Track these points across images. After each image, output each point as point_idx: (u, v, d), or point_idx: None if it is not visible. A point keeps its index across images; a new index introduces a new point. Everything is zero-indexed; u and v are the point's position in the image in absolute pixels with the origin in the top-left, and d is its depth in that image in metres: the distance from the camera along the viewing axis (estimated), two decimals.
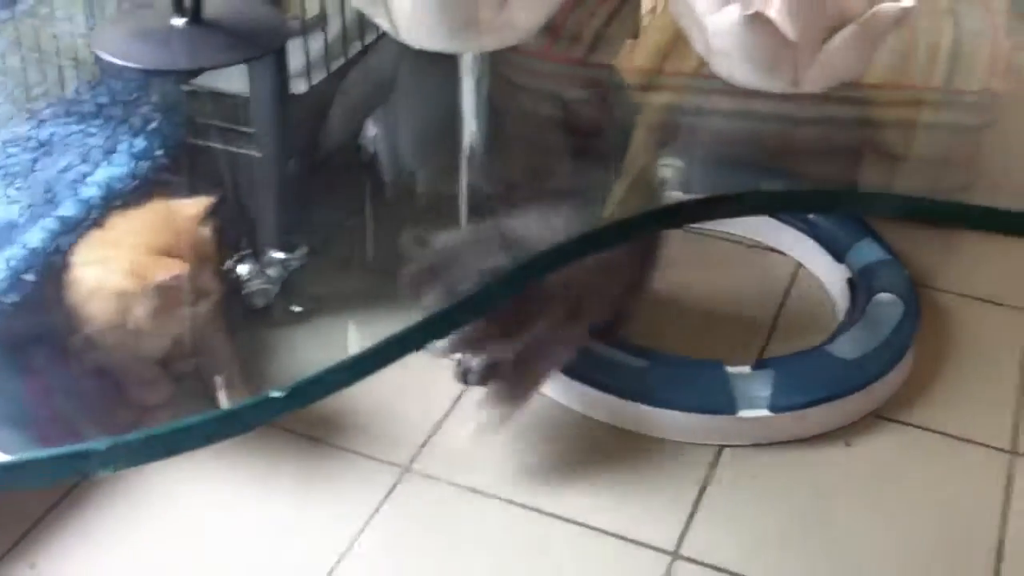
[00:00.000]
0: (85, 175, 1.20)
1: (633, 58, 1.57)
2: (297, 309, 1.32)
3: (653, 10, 1.59)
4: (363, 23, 1.43)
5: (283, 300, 1.34)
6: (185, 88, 1.31)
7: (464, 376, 1.33)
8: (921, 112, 1.57)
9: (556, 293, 1.23)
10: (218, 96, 1.31)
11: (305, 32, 1.36)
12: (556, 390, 1.41)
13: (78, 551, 1.24)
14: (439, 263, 1.14)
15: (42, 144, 1.24)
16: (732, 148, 1.44)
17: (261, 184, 1.33)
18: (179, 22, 1.17)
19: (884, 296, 1.48)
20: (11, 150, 1.23)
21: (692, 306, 1.55)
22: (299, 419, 1.36)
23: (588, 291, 1.28)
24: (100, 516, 1.27)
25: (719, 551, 1.25)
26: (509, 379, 1.30)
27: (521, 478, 1.32)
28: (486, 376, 1.32)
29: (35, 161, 1.22)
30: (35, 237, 1.15)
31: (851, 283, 1.53)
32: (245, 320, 1.31)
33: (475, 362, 1.32)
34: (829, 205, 1.35)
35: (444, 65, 1.28)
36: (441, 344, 1.17)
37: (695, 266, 1.62)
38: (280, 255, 1.32)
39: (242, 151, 1.31)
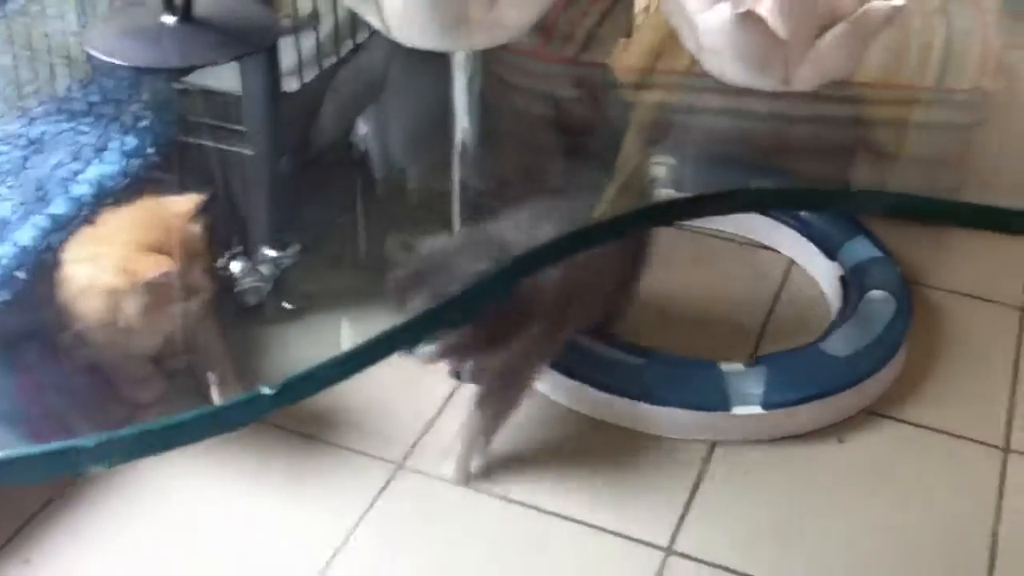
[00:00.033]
0: (76, 173, 1.20)
1: (626, 57, 1.57)
2: (288, 306, 1.32)
3: (647, 9, 1.60)
4: (355, 22, 1.44)
5: (275, 298, 1.35)
6: (177, 86, 1.31)
7: (457, 373, 1.33)
8: (913, 111, 1.58)
9: (543, 299, 1.24)
10: (210, 94, 1.31)
11: (297, 30, 1.36)
12: (551, 387, 1.41)
13: (72, 547, 1.23)
14: (425, 268, 1.14)
15: (33, 142, 1.24)
16: (724, 146, 1.45)
17: (253, 182, 1.33)
18: (170, 20, 1.17)
19: (876, 293, 1.48)
20: (2, 148, 1.23)
21: (686, 304, 1.55)
22: (292, 416, 1.35)
23: (576, 296, 1.28)
24: (94, 512, 1.27)
25: (713, 547, 1.25)
26: (497, 387, 1.30)
27: (515, 474, 1.32)
28: (477, 375, 1.32)
29: (26, 159, 1.23)
30: (26, 235, 1.16)
31: (843, 280, 1.53)
32: (237, 317, 1.32)
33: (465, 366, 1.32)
34: (819, 203, 1.35)
35: (436, 63, 1.29)
36: (428, 351, 1.17)
37: (689, 264, 1.62)
38: (272, 253, 1.33)
39: (234, 149, 1.32)
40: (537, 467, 1.34)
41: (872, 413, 1.41)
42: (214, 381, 1.17)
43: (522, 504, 1.29)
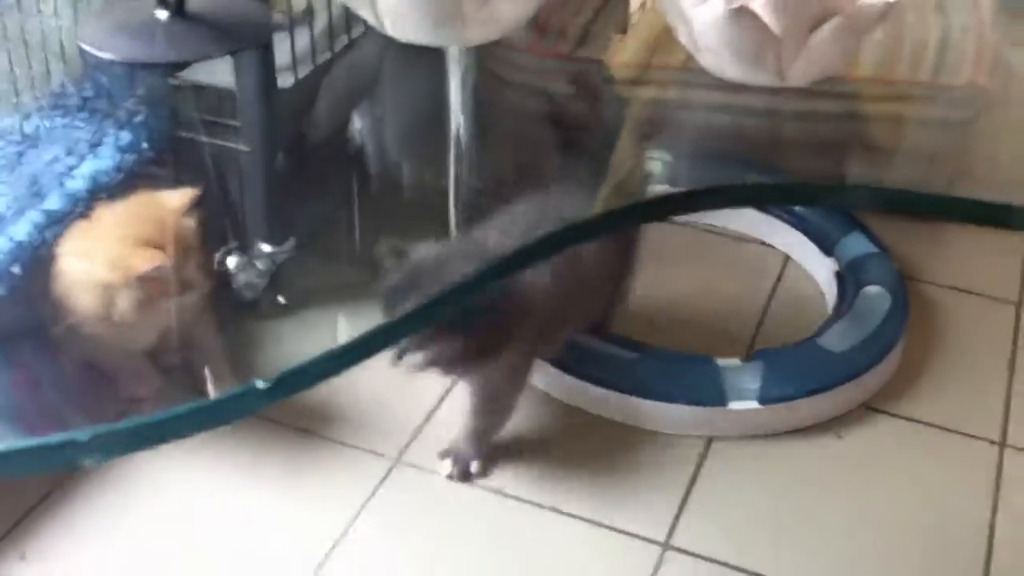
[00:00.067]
0: (71, 168, 1.20)
1: (621, 53, 1.57)
2: (283, 302, 1.32)
3: (642, 6, 1.60)
4: (349, 17, 1.44)
5: (271, 293, 1.34)
6: (171, 82, 1.31)
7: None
8: (907, 106, 1.58)
9: (534, 308, 1.24)
10: (204, 90, 1.31)
11: (292, 26, 1.37)
12: (547, 382, 1.41)
13: (68, 541, 1.23)
14: (416, 276, 1.13)
15: (28, 137, 1.24)
16: (720, 142, 1.45)
17: (248, 177, 1.33)
18: (163, 15, 1.17)
19: (872, 289, 1.48)
20: None
21: (682, 299, 1.55)
22: (289, 411, 1.35)
23: (568, 302, 1.28)
24: (91, 507, 1.27)
25: (709, 542, 1.25)
26: (491, 395, 1.30)
27: (512, 469, 1.32)
28: (472, 382, 1.32)
29: (21, 154, 1.23)
30: (21, 230, 1.16)
31: (839, 276, 1.53)
32: (233, 313, 1.31)
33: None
34: (812, 197, 1.35)
35: (430, 59, 1.29)
36: (416, 360, 1.17)
37: (684, 260, 1.62)
38: (268, 248, 1.33)
39: (229, 145, 1.31)
40: (534, 462, 1.34)
41: (869, 408, 1.41)
42: (210, 376, 1.17)
43: (519, 499, 1.29)
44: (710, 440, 1.36)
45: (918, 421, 1.41)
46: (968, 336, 1.53)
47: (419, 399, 1.39)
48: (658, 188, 1.41)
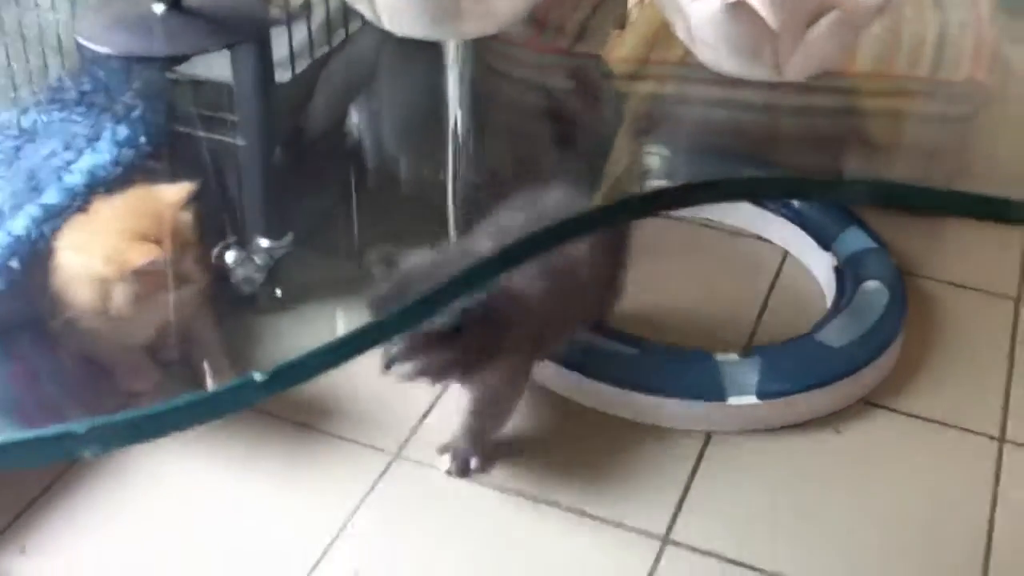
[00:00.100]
0: (69, 163, 1.20)
1: (620, 48, 1.57)
2: (280, 294, 1.31)
3: (640, 2, 1.60)
4: (347, 12, 1.43)
5: (269, 288, 1.34)
6: (169, 76, 1.31)
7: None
8: (906, 102, 1.57)
9: (527, 316, 1.23)
10: (202, 84, 1.31)
11: (289, 21, 1.36)
12: (547, 376, 1.41)
13: (68, 535, 1.23)
14: (406, 284, 1.13)
15: (25, 132, 1.24)
16: (718, 137, 1.44)
17: (246, 172, 1.33)
18: (160, 9, 1.17)
19: (871, 284, 1.48)
20: None
21: (680, 294, 1.55)
22: (288, 405, 1.36)
23: (562, 305, 1.28)
24: (90, 500, 1.27)
25: (709, 536, 1.25)
26: (488, 400, 1.29)
27: (511, 464, 1.32)
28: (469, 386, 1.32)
29: (18, 149, 1.22)
30: (19, 224, 1.15)
31: (838, 271, 1.53)
32: (231, 307, 1.31)
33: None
34: (805, 192, 1.35)
35: (428, 54, 1.29)
36: (405, 370, 1.16)
37: (683, 255, 1.62)
38: (266, 243, 1.32)
39: (226, 139, 1.31)
40: (533, 457, 1.34)
41: (867, 403, 1.41)
42: (208, 370, 1.17)
43: (518, 493, 1.29)
44: (709, 435, 1.36)
45: (917, 416, 1.40)
46: (967, 331, 1.53)
47: (419, 394, 1.38)
48: (656, 183, 1.42)
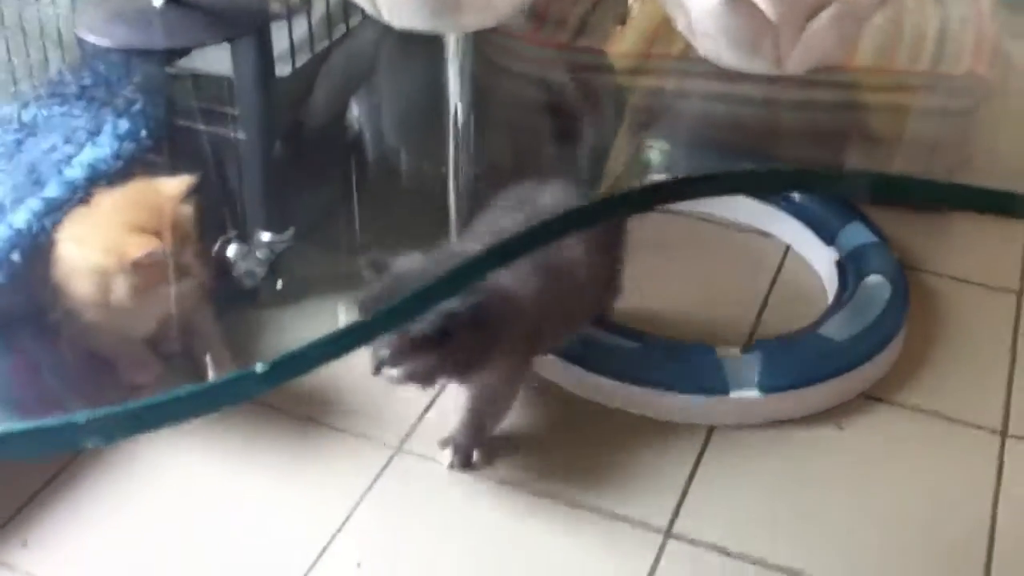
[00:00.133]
0: (70, 156, 1.20)
1: (621, 43, 1.57)
2: (282, 288, 1.32)
3: None
4: (347, 5, 1.44)
5: (270, 281, 1.34)
6: (170, 70, 1.31)
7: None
8: (907, 96, 1.57)
9: (520, 318, 1.23)
10: (202, 78, 1.31)
11: (289, 15, 1.37)
12: (548, 370, 1.41)
13: (70, 528, 1.23)
14: (396, 289, 1.13)
15: (26, 126, 1.24)
16: (719, 132, 1.45)
17: (246, 166, 1.33)
18: (159, 2, 1.17)
19: (873, 278, 1.47)
20: None
21: (682, 289, 1.55)
22: (291, 398, 1.36)
23: (557, 306, 1.27)
24: (92, 494, 1.27)
25: (711, 530, 1.25)
26: (484, 400, 1.29)
27: (513, 457, 1.32)
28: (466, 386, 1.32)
29: (20, 143, 1.23)
30: (20, 218, 1.16)
31: (840, 265, 1.53)
32: (233, 301, 1.31)
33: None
34: (802, 184, 1.34)
35: (428, 47, 1.29)
36: (395, 374, 1.16)
37: (686, 250, 1.62)
38: (267, 237, 1.33)
39: (227, 133, 1.31)
40: (535, 451, 1.34)
41: (869, 397, 1.41)
42: (210, 363, 1.17)
43: (520, 487, 1.29)
44: (711, 429, 1.36)
45: (919, 410, 1.40)
46: (969, 325, 1.53)
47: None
48: (655, 177, 1.42)
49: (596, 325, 1.41)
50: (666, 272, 1.56)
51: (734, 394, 1.36)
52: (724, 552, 1.23)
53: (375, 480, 1.29)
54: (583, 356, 1.39)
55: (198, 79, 1.31)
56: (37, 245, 1.14)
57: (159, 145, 1.26)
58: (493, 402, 1.30)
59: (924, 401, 1.41)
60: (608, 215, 1.20)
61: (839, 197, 1.58)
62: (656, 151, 1.51)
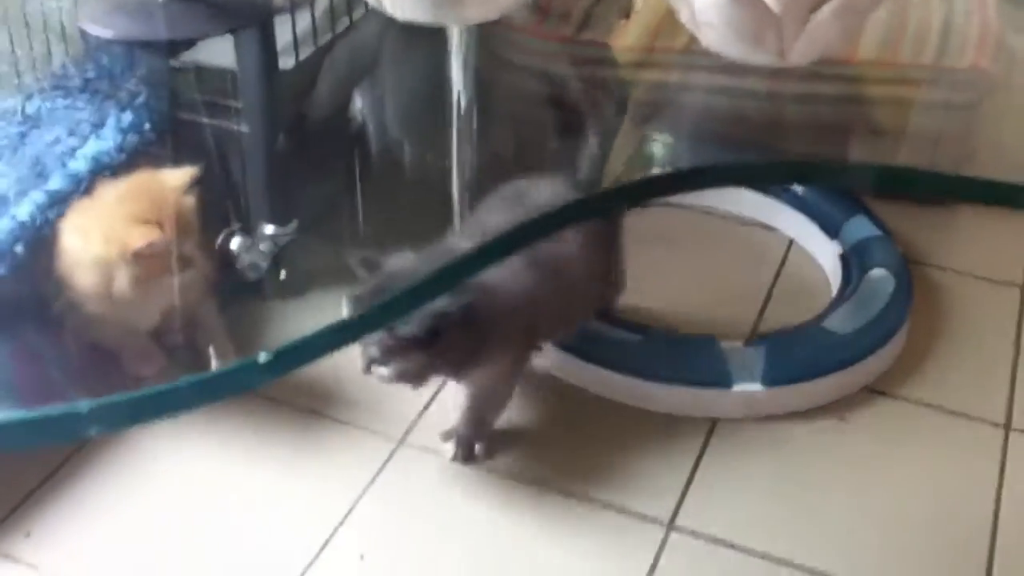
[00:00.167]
0: (73, 149, 1.20)
1: (624, 36, 1.57)
2: (285, 281, 1.32)
3: None
4: None
5: (274, 274, 1.35)
6: (173, 63, 1.31)
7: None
8: (911, 90, 1.57)
9: (512, 317, 1.23)
10: (206, 71, 1.31)
11: (293, 7, 1.36)
12: (551, 362, 1.41)
13: (73, 520, 1.24)
14: (387, 287, 1.13)
15: (30, 118, 1.24)
16: (723, 125, 1.45)
17: (250, 159, 1.33)
18: None
19: (877, 272, 1.47)
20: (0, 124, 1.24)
21: (686, 282, 1.55)
22: (294, 391, 1.36)
23: (552, 304, 1.27)
24: (96, 486, 1.27)
25: (714, 523, 1.25)
26: (481, 397, 1.29)
27: (516, 450, 1.32)
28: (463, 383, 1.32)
29: (23, 135, 1.23)
30: (24, 210, 1.16)
31: (844, 259, 1.53)
32: (236, 294, 1.32)
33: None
34: (802, 176, 1.34)
35: (432, 40, 1.29)
36: (385, 372, 1.16)
37: (689, 243, 1.62)
38: (271, 229, 1.33)
39: (230, 126, 1.32)
40: (538, 443, 1.34)
41: (873, 391, 1.41)
42: (213, 355, 1.18)
43: (522, 479, 1.29)
44: (714, 422, 1.36)
45: (922, 404, 1.40)
46: (973, 319, 1.53)
47: None
48: (658, 171, 1.42)
49: (599, 319, 1.41)
50: (669, 265, 1.56)
51: (737, 387, 1.36)
52: (727, 545, 1.23)
53: (378, 473, 1.29)
54: (586, 349, 1.39)
55: (201, 72, 1.31)
56: (41, 237, 1.14)
57: (163, 138, 1.26)
58: (491, 398, 1.30)
59: (927, 395, 1.41)
60: (601, 210, 1.20)
61: (843, 191, 1.58)
62: (660, 145, 1.51)
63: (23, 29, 1.29)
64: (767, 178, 1.43)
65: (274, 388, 1.35)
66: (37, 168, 1.19)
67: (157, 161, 1.21)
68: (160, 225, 1.07)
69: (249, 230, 1.30)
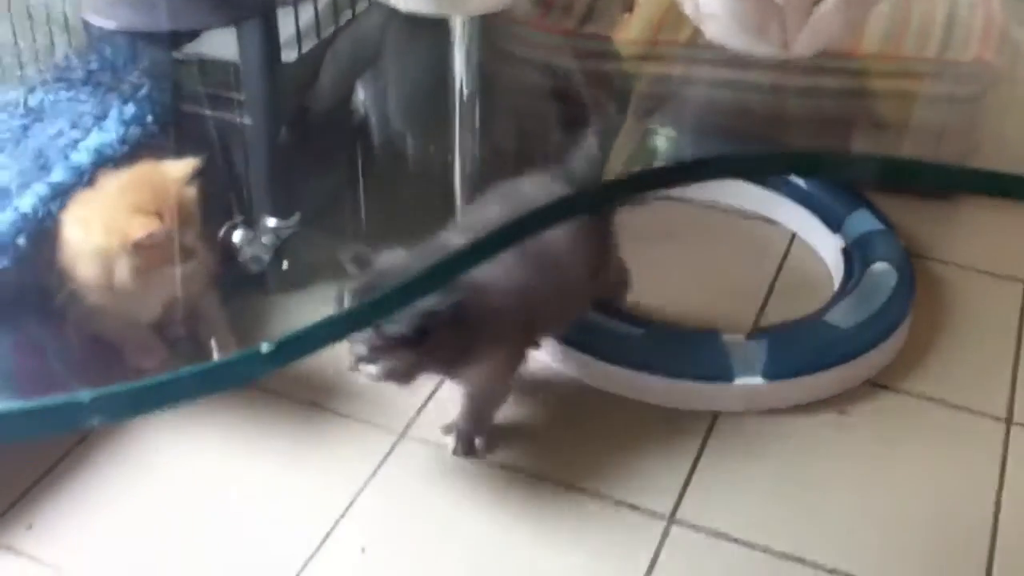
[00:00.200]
0: (76, 141, 1.21)
1: (627, 29, 1.57)
2: (288, 273, 1.32)
3: None
4: None
5: (276, 267, 1.35)
6: (176, 55, 1.31)
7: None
8: (914, 83, 1.57)
9: (503, 314, 1.22)
10: (209, 63, 1.31)
11: (296, 1, 1.36)
12: (553, 357, 1.41)
13: (75, 513, 1.24)
14: (378, 284, 1.12)
15: (32, 111, 1.24)
16: (726, 119, 1.45)
17: (253, 151, 1.33)
18: None
19: (879, 265, 1.47)
20: (2, 117, 1.24)
21: (688, 276, 1.55)
22: (296, 384, 1.36)
23: (545, 301, 1.27)
24: (98, 478, 1.27)
25: (714, 516, 1.25)
26: (477, 394, 1.29)
27: (517, 443, 1.32)
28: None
29: (26, 128, 1.23)
30: (26, 202, 1.16)
31: (846, 253, 1.53)
32: (239, 287, 1.32)
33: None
34: (806, 168, 1.34)
35: (434, 31, 1.29)
36: (373, 371, 1.16)
37: (691, 236, 1.62)
38: (273, 222, 1.33)
39: (233, 118, 1.32)
40: (539, 436, 1.34)
41: (875, 385, 1.41)
42: (215, 348, 1.18)
43: (524, 472, 1.29)
44: (716, 416, 1.36)
45: (924, 398, 1.40)
46: (975, 313, 1.52)
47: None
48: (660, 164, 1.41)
49: (602, 312, 1.41)
50: (671, 259, 1.56)
51: (739, 381, 1.36)
52: (727, 539, 1.23)
53: (379, 466, 1.29)
54: (588, 343, 1.39)
55: (204, 64, 1.32)
56: (43, 229, 1.14)
57: (165, 130, 1.26)
58: (487, 395, 1.30)
59: (929, 389, 1.41)
60: (602, 204, 1.20)
61: (845, 184, 1.58)
62: (662, 138, 1.51)
63: (26, 21, 1.29)
64: (769, 169, 1.43)
65: (275, 381, 1.35)
66: (40, 160, 1.19)
67: (160, 153, 1.21)
68: (161, 216, 1.07)
69: (251, 223, 1.30)
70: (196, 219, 1.11)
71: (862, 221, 1.54)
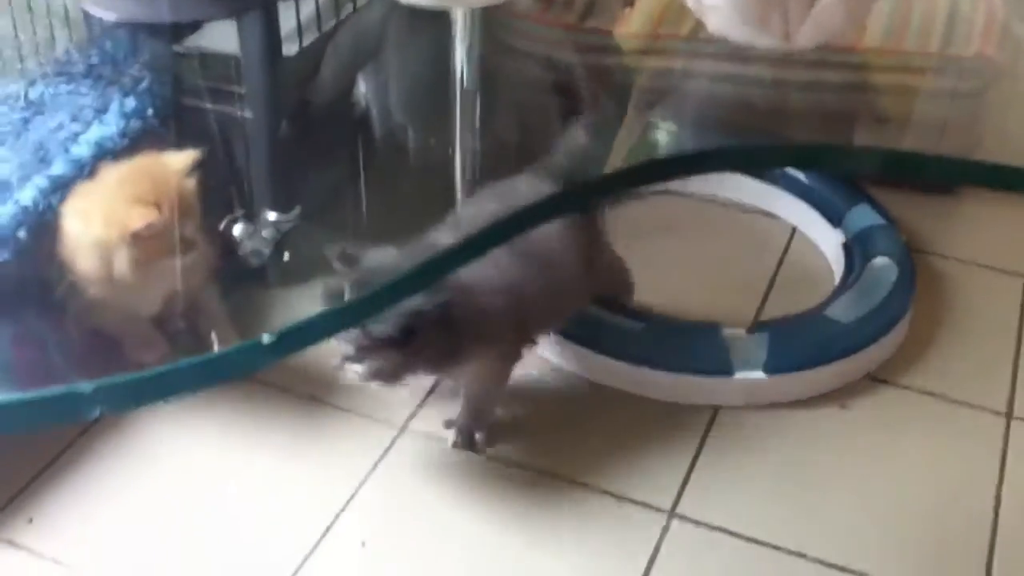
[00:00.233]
0: (76, 134, 1.20)
1: (629, 23, 1.57)
2: (288, 267, 1.32)
3: None
4: None
5: (276, 260, 1.35)
6: (177, 48, 1.31)
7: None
8: (916, 78, 1.57)
9: (494, 315, 1.22)
10: (209, 56, 1.31)
11: None
12: (553, 352, 1.41)
13: (76, 506, 1.24)
14: (365, 282, 1.12)
15: (33, 104, 1.24)
16: (727, 113, 1.44)
17: (253, 145, 1.33)
18: None
19: (880, 260, 1.47)
20: (3, 110, 1.24)
21: (688, 270, 1.55)
22: (297, 378, 1.36)
23: (537, 300, 1.26)
24: (98, 472, 1.27)
25: (715, 511, 1.25)
26: (473, 393, 1.30)
27: (517, 438, 1.32)
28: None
29: (27, 121, 1.23)
30: (27, 195, 1.16)
31: (847, 247, 1.53)
32: (239, 280, 1.32)
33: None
34: (806, 161, 1.34)
35: (436, 24, 1.29)
36: (360, 371, 1.15)
37: (692, 230, 1.62)
38: (273, 216, 1.33)
39: (234, 112, 1.32)
40: (540, 430, 1.34)
41: (875, 379, 1.41)
42: (215, 342, 1.18)
43: (525, 467, 1.29)
44: (716, 410, 1.36)
45: (924, 392, 1.40)
46: (975, 308, 1.52)
47: None
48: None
49: (603, 307, 1.41)
50: (672, 253, 1.56)
51: (739, 375, 1.36)
52: (728, 533, 1.23)
53: (379, 460, 1.29)
54: (588, 337, 1.39)
55: (205, 57, 1.31)
56: (43, 222, 1.14)
57: (166, 123, 1.26)
58: (484, 393, 1.30)
59: (929, 383, 1.41)
60: (602, 200, 1.20)
61: (846, 179, 1.58)
62: (664, 132, 1.51)
63: (27, 14, 1.29)
64: (771, 162, 1.43)
65: (276, 375, 1.35)
66: (40, 153, 1.19)
67: (160, 147, 1.21)
68: (160, 207, 1.07)
69: (252, 216, 1.30)
70: (196, 211, 1.11)
71: (863, 216, 1.54)
